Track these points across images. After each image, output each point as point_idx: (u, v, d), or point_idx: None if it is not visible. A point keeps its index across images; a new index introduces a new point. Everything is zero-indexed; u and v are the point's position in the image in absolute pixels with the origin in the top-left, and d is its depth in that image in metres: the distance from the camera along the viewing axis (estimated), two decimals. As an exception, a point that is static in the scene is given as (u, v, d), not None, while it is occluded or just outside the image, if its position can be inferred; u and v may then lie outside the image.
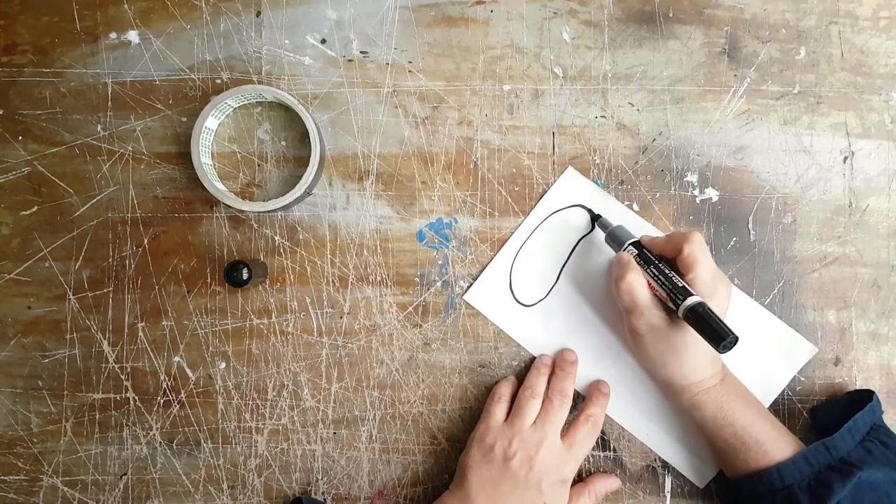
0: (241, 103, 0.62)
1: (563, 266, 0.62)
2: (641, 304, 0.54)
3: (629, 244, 0.57)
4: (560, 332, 0.62)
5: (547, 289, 0.62)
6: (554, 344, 0.62)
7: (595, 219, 0.61)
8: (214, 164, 0.62)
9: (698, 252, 0.53)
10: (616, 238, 0.59)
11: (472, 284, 0.62)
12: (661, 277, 0.54)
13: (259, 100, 0.62)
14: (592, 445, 0.59)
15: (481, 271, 0.62)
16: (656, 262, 0.55)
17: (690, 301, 0.51)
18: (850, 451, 0.53)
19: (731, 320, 0.56)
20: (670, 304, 0.53)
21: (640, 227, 0.61)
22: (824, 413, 0.60)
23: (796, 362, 0.61)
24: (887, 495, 0.51)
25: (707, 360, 0.55)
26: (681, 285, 0.53)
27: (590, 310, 0.62)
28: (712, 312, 0.50)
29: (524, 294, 0.62)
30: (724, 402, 0.55)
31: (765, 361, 0.61)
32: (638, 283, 0.54)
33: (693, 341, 0.52)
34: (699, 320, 0.50)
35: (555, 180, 0.62)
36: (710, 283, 0.53)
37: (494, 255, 0.62)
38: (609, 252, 0.61)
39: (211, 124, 0.60)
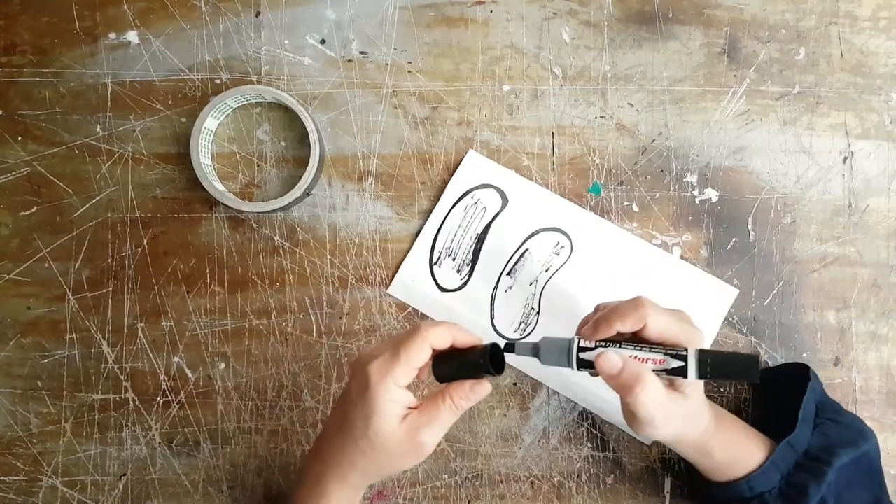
0: (240, 104, 0.62)
1: (480, 246, 0.62)
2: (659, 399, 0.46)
3: (578, 347, 0.46)
4: (485, 312, 0.62)
5: (468, 271, 0.62)
6: (482, 324, 0.62)
7: (508, 350, 0.48)
8: (214, 165, 0.62)
9: (659, 318, 0.46)
10: (553, 352, 0.47)
11: (392, 277, 0.62)
12: (645, 347, 0.46)
13: (259, 100, 0.62)
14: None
15: (400, 262, 0.62)
16: (614, 341, 0.47)
17: (692, 355, 0.44)
18: (811, 442, 0.53)
19: (651, 278, 0.60)
20: (666, 372, 0.45)
21: (549, 202, 0.62)
22: (764, 378, 0.59)
23: (722, 308, 0.61)
24: (858, 477, 0.53)
25: (703, 416, 0.51)
26: (668, 346, 0.46)
27: (511, 283, 0.62)
28: (717, 352, 0.45)
29: (447, 279, 0.62)
30: (706, 440, 0.52)
31: (692, 314, 0.60)
32: (653, 385, 0.45)
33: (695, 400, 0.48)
34: (715, 365, 0.44)
35: (553, 180, 0.62)
36: (686, 333, 0.47)
37: (411, 246, 0.62)
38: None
39: (210, 125, 0.60)
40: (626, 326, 0.46)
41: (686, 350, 0.45)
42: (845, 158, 0.63)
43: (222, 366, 0.62)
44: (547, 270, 0.62)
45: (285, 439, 0.62)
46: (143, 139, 0.62)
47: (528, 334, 0.61)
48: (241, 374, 0.62)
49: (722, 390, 0.61)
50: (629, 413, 0.47)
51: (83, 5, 0.62)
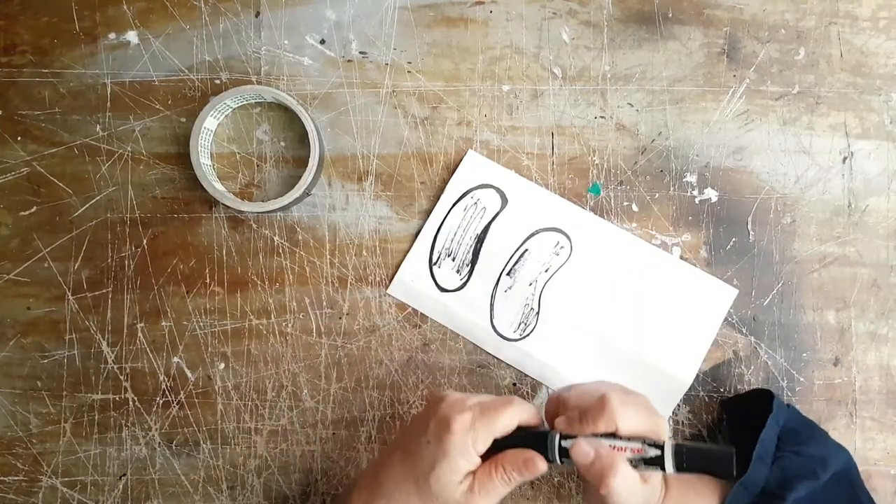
0: (240, 104, 0.62)
1: (480, 246, 0.62)
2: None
3: (559, 442, 0.46)
4: (485, 313, 0.62)
5: (467, 272, 0.62)
6: (481, 324, 0.62)
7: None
8: (213, 165, 0.62)
9: (627, 418, 0.45)
10: (541, 441, 0.46)
11: (392, 277, 0.62)
12: (618, 441, 0.46)
13: (258, 100, 0.62)
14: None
15: (400, 262, 0.62)
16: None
17: (668, 448, 0.44)
18: (768, 478, 0.51)
19: (651, 278, 0.60)
20: (644, 462, 0.45)
21: (549, 202, 0.62)
22: (732, 406, 0.60)
23: (722, 308, 0.61)
24: (826, 496, 0.51)
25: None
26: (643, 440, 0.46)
27: (511, 284, 0.62)
28: (693, 446, 0.45)
29: (447, 280, 0.62)
30: None
31: (691, 314, 0.61)
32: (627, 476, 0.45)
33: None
34: (691, 459, 0.44)
35: (553, 180, 0.62)
36: (654, 424, 0.47)
37: (410, 246, 0.62)
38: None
39: (210, 125, 0.60)
40: (598, 429, 0.46)
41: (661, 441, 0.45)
42: (845, 158, 0.63)
43: (222, 366, 0.62)
44: (546, 271, 0.62)
45: (285, 439, 0.62)
46: (142, 139, 0.62)
47: (527, 334, 0.61)
48: (241, 374, 0.62)
49: (722, 390, 0.61)
50: (599, 501, 0.46)
51: (83, 5, 0.62)
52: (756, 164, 0.62)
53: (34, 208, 0.62)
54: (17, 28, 0.62)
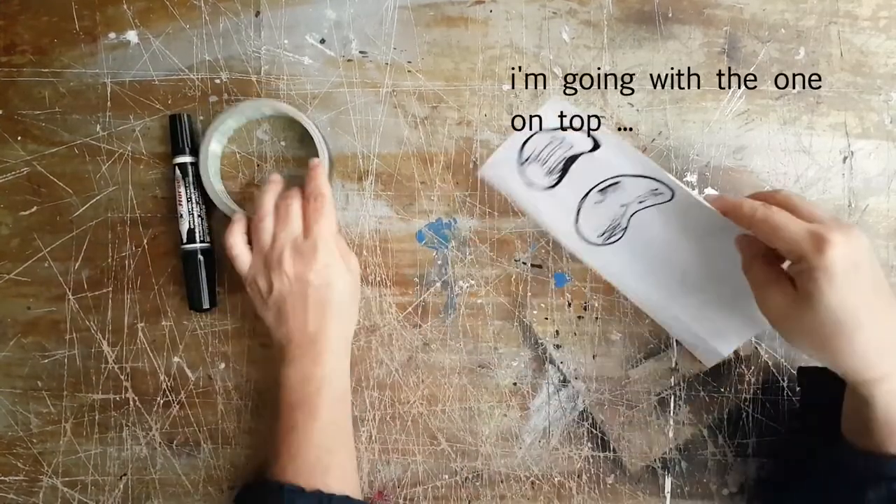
0: (241, 123, 0.62)
1: (571, 164, 0.59)
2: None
3: None
4: (571, 213, 0.60)
5: (557, 178, 0.60)
6: (564, 226, 0.60)
7: None
8: (222, 178, 0.62)
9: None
10: None
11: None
12: None
13: (260, 116, 0.62)
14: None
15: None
16: None
17: None
18: None
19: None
20: None
21: (647, 164, 0.60)
22: (812, 377, 0.58)
23: None
24: None
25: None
26: None
27: (601, 199, 0.60)
28: None
29: (536, 178, 0.60)
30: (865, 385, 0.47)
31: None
32: None
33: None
34: None
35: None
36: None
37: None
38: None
39: (216, 149, 0.60)
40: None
41: None
42: (845, 158, 0.63)
43: (222, 366, 0.62)
44: (641, 202, 0.59)
45: (285, 439, 0.62)
46: (142, 139, 0.62)
47: (611, 242, 0.60)
48: (242, 373, 0.62)
49: (722, 390, 0.61)
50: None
51: (83, 5, 0.62)
52: (756, 163, 0.62)
53: (34, 208, 0.62)
54: (17, 28, 0.62)
